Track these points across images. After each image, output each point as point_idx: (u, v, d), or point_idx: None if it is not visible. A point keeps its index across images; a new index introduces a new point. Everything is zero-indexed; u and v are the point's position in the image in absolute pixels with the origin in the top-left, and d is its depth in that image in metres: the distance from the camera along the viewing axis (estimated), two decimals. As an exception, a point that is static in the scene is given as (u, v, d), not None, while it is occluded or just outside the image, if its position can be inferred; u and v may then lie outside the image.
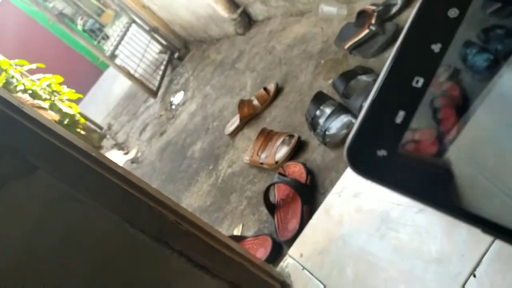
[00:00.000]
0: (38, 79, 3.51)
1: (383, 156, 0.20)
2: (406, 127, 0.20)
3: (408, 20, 0.21)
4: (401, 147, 0.20)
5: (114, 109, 4.43)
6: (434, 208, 0.20)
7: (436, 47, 0.19)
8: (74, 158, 0.76)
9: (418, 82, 0.19)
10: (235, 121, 2.05)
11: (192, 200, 1.92)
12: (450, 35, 0.19)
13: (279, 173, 1.47)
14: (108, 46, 4.01)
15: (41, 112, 3.26)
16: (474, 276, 0.87)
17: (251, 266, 1.07)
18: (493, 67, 0.20)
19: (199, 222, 1.05)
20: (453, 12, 0.19)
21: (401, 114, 0.20)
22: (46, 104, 3.36)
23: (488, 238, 0.90)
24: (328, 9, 1.94)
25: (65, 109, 3.46)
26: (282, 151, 1.58)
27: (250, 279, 1.07)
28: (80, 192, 0.76)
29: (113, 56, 3.59)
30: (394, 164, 0.20)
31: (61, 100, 3.54)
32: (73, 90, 3.69)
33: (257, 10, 2.66)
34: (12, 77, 3.32)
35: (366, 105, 0.21)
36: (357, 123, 0.21)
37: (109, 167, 0.82)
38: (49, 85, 3.52)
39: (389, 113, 0.20)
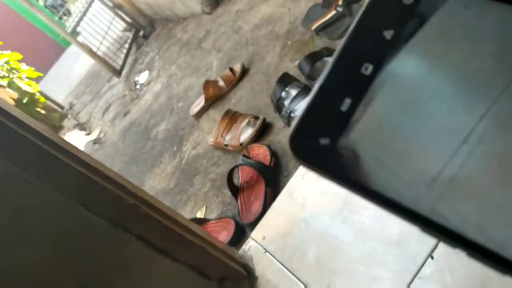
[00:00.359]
0: (-5, 56, 3.35)
1: (325, 144, 0.19)
2: (350, 115, 0.19)
3: (362, 5, 0.20)
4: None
5: (76, 88, 4.29)
6: (369, 200, 0.20)
7: (388, 34, 0.19)
8: (23, 137, 0.72)
9: (368, 69, 0.19)
10: (200, 102, 2.01)
11: (155, 182, 1.88)
12: (404, 21, 0.19)
13: (243, 155, 1.45)
14: (69, 23, 3.87)
15: (-1, 90, 3.12)
16: (432, 257, 0.88)
17: (213, 249, 1.06)
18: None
19: (159, 205, 1.02)
20: None
21: (347, 102, 0.19)
22: (4, 82, 3.22)
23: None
24: (295, -11, 1.91)
25: (24, 87, 3.33)
26: (247, 133, 1.56)
27: (211, 262, 1.06)
28: (29, 173, 0.72)
29: (74, 32, 3.46)
30: (335, 154, 0.20)
31: (20, 78, 3.40)
32: (33, 68, 3.54)
33: (224, -12, 2.60)
34: (-33, 53, 3.16)
35: (313, 90, 0.20)
36: (302, 108, 0.20)
37: (63, 148, 0.78)
38: (7, 62, 3.37)
39: (335, 100, 0.20)
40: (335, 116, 0.19)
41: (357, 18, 0.20)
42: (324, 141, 0.19)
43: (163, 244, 0.98)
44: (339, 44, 0.21)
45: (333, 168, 0.19)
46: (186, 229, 1.04)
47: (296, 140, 0.20)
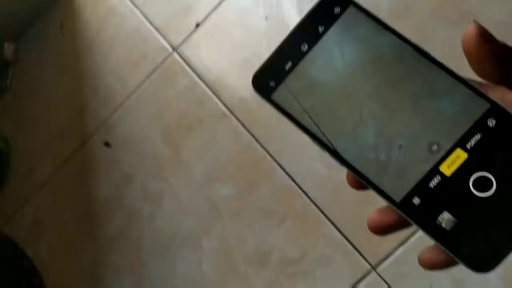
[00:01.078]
0: None
1: (272, 86, 0.29)
2: (290, 71, 0.29)
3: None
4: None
5: None
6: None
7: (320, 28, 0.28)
8: None
9: (305, 47, 0.29)
10: None
11: None
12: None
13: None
14: None
15: None
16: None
17: None
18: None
19: None
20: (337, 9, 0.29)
21: (289, 63, 0.29)
22: None
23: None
24: None
25: None
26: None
27: None
28: None
29: None
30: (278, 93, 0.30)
31: None
32: None
33: None
34: None
35: (277, 46, 0.30)
36: (267, 57, 0.30)
37: None
38: None
39: (284, 59, 0.29)
40: (282, 70, 0.29)
41: (311, 7, 0.29)
42: (272, 84, 0.29)
43: None
44: (293, 26, 0.30)
45: (274, 101, 0.30)
46: None
47: (256, 77, 0.30)
